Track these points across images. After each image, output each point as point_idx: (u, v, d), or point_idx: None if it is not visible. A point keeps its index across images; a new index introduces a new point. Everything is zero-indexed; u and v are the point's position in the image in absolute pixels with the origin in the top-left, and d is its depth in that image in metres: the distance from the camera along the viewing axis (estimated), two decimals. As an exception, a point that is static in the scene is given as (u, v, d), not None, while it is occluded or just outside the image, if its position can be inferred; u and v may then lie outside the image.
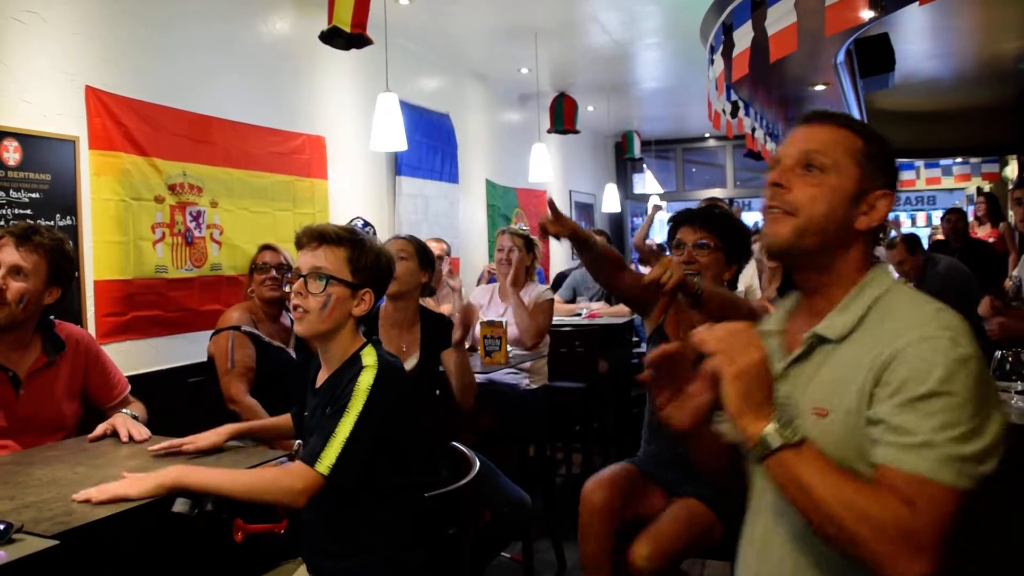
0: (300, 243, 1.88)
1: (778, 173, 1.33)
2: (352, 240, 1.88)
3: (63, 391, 2.35)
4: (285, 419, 2.18)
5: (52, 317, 2.39)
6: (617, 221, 11.07)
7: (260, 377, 3.05)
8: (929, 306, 1.22)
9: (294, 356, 3.16)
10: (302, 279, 1.83)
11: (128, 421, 2.29)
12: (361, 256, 1.87)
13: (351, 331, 1.89)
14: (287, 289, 1.88)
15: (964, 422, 1.10)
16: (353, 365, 1.83)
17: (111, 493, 1.64)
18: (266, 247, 3.31)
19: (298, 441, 2.05)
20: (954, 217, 6.89)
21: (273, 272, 3.19)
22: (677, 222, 2.49)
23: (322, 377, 1.92)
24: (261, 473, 1.82)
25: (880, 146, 1.32)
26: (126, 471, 1.80)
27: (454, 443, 2.36)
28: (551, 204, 2.48)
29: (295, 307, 1.84)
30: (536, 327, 3.94)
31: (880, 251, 7.29)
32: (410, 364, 2.90)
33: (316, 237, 1.86)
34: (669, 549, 2.18)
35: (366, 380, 1.78)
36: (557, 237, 2.44)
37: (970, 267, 5.11)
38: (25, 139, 3.06)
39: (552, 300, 4.14)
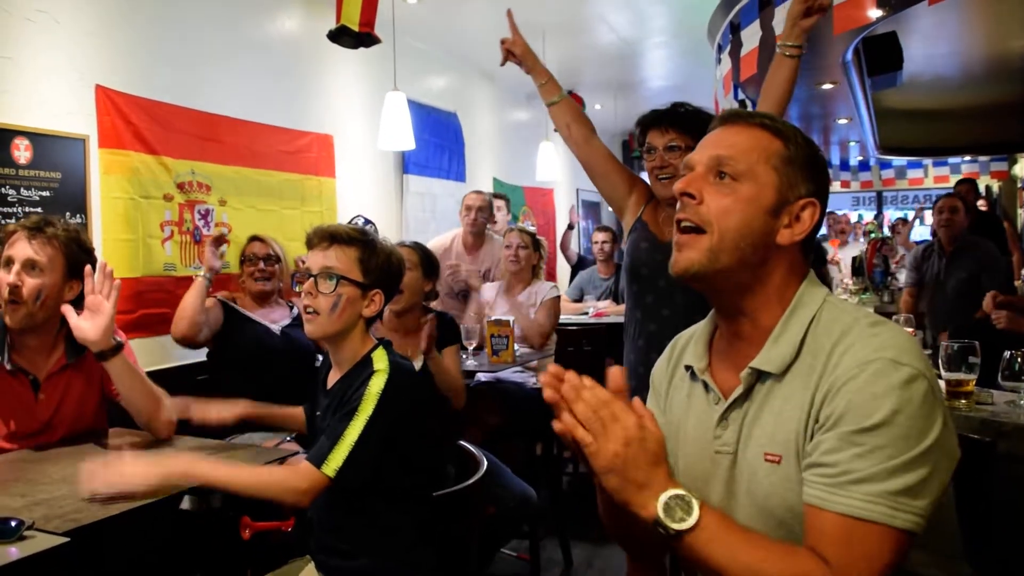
0: (311, 243, 1.88)
1: (686, 182, 1.18)
2: (363, 241, 1.89)
3: (83, 392, 2.26)
4: (296, 411, 2.19)
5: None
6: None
7: (239, 348, 3.19)
8: (864, 321, 1.10)
9: (277, 333, 3.25)
10: (312, 278, 1.83)
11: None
12: (372, 257, 1.88)
13: (361, 332, 1.89)
14: (297, 289, 1.88)
15: (902, 452, 0.99)
16: (365, 368, 1.83)
17: (117, 483, 1.64)
18: (254, 238, 3.40)
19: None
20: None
21: (261, 264, 3.27)
22: (644, 125, 2.32)
23: (333, 378, 1.92)
24: (267, 471, 1.83)
25: (803, 149, 1.18)
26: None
27: (461, 442, 2.37)
28: (510, 16, 2.53)
29: (305, 307, 1.84)
30: (540, 327, 3.95)
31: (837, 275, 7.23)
32: (415, 367, 2.91)
33: (327, 237, 1.86)
34: None
35: (377, 384, 1.78)
36: (514, 57, 2.51)
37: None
38: (35, 137, 3.07)
39: (558, 298, 4.15)
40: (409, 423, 1.83)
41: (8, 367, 2.13)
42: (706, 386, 1.24)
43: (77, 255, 2.18)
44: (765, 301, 1.17)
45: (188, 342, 3.13)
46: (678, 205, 1.20)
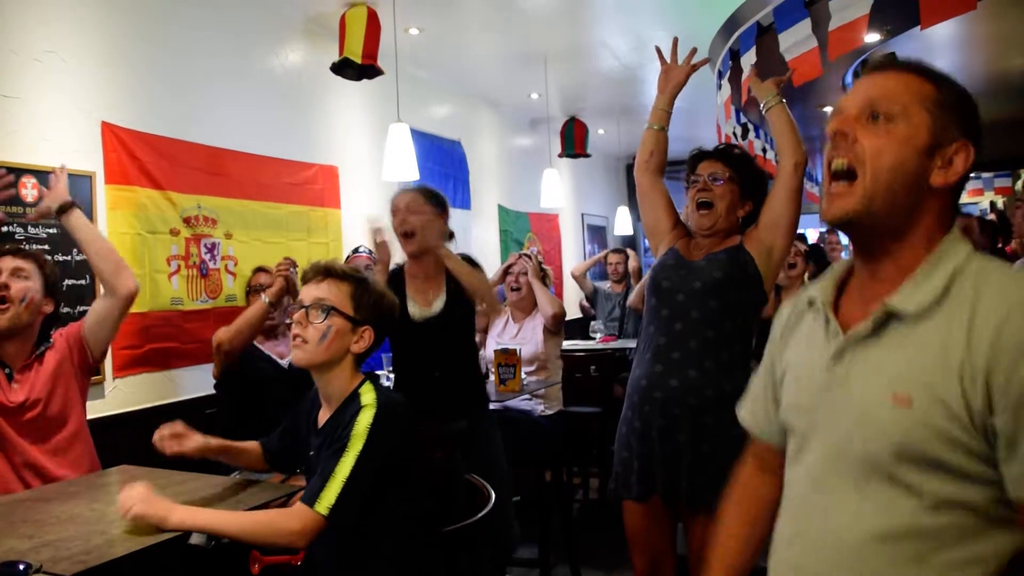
0: (306, 278, 1.92)
1: (840, 121, 1.17)
2: (357, 278, 1.92)
3: (53, 376, 2.41)
4: (253, 445, 2.16)
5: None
6: (630, 243, 11.08)
7: (247, 382, 3.15)
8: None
9: (284, 367, 3.21)
10: (304, 310, 1.86)
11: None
12: (364, 294, 1.91)
13: (350, 368, 1.90)
14: (288, 321, 1.90)
15: None
16: (352, 403, 1.84)
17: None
18: (260, 269, 3.47)
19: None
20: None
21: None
22: (695, 159, 2.49)
23: (323, 417, 1.92)
24: (259, 515, 1.79)
25: (956, 94, 1.16)
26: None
27: (470, 475, 2.35)
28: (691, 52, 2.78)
29: (294, 336, 1.86)
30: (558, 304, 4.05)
31: None
32: (436, 308, 2.95)
33: (322, 271, 1.91)
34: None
35: (365, 419, 1.78)
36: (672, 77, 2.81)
37: None
38: (43, 176, 3.09)
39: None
40: (403, 453, 1.83)
41: None
42: (827, 321, 1.20)
43: (53, 273, 2.48)
44: (912, 242, 1.14)
45: (228, 353, 3.08)
46: (828, 146, 1.18)
